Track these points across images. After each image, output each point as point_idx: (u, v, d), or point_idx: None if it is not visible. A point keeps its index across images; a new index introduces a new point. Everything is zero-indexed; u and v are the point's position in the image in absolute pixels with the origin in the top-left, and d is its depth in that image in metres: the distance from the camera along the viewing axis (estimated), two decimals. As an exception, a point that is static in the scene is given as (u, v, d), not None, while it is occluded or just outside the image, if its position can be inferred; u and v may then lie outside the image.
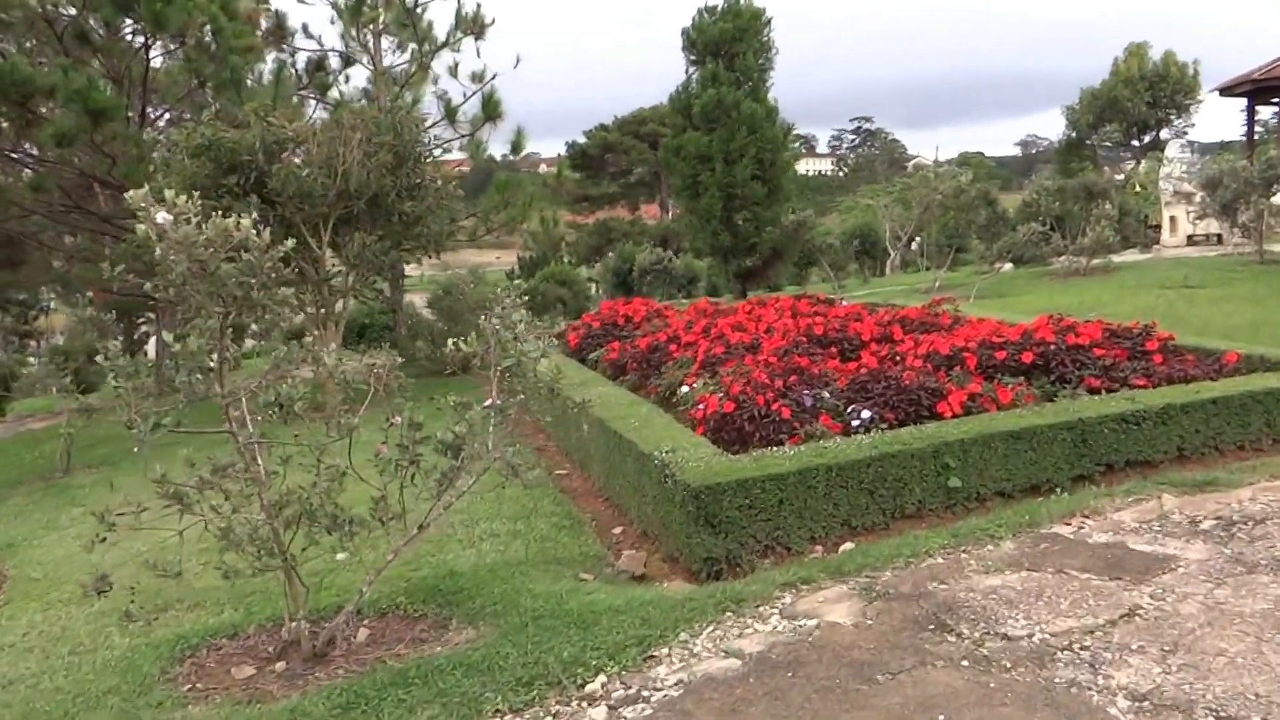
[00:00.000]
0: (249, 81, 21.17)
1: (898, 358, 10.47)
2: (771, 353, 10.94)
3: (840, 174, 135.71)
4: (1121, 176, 53.59)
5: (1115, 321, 11.47)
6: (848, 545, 7.44)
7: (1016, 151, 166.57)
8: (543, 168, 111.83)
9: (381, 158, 16.24)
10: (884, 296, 25.32)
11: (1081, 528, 6.77)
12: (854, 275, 37.61)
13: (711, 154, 29.88)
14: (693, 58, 31.79)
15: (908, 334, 12.15)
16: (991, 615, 5.39)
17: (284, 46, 23.51)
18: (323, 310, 16.93)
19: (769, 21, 31.88)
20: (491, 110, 21.01)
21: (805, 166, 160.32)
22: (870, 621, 5.52)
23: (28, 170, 23.67)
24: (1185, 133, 65.39)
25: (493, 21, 23.84)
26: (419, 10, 21.34)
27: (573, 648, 5.64)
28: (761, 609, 6.00)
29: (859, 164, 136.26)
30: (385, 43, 23.33)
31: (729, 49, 30.81)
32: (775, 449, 8.07)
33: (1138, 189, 37.90)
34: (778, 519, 7.39)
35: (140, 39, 20.93)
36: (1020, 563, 6.16)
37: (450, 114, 20.97)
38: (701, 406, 9.46)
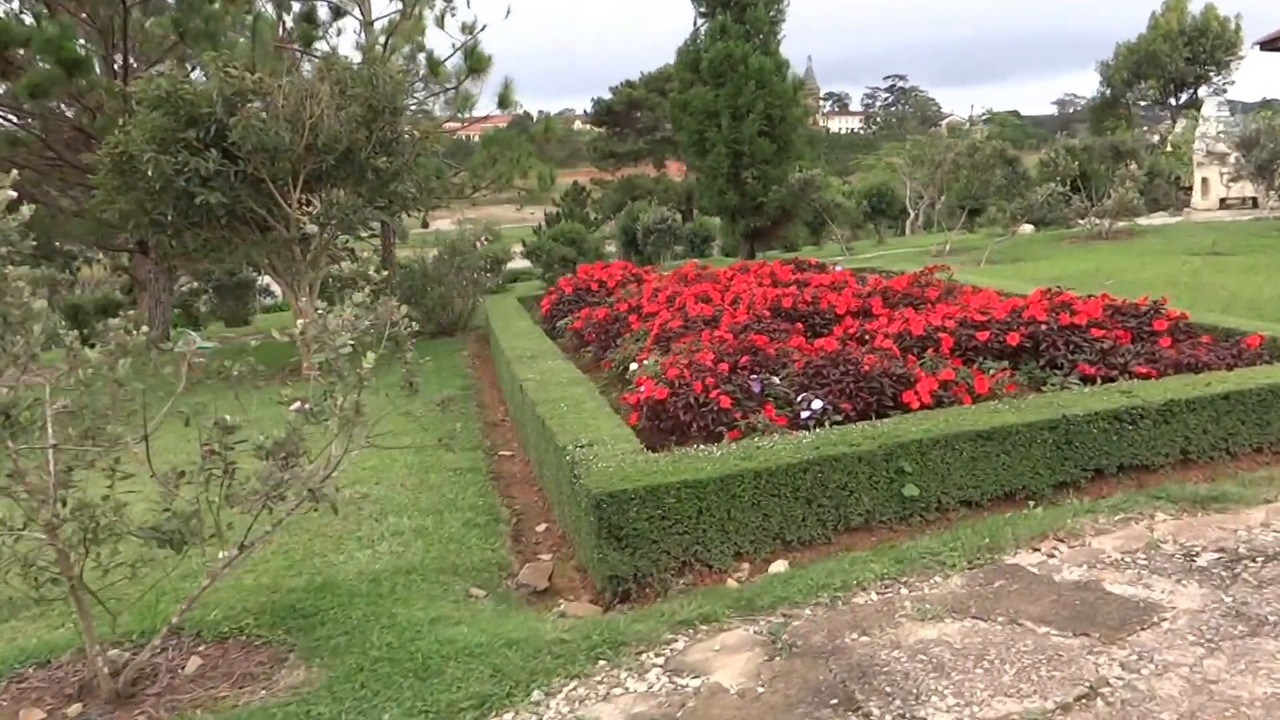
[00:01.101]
0: (233, 34, 20.12)
1: (867, 337, 9.24)
2: (729, 329, 9.73)
3: (869, 132, 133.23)
4: (1157, 137, 51.73)
5: (1122, 298, 10.17)
6: (779, 564, 6.29)
7: (1053, 110, 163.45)
8: (577, 124, 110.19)
9: (353, 110, 15.14)
10: (891, 260, 24.04)
11: (1052, 556, 5.57)
12: (869, 236, 36.25)
13: (718, 109, 28.59)
14: (702, 10, 30.40)
15: (889, 307, 10.92)
16: (913, 688, 4.21)
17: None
18: (294, 271, 15.90)
19: (781, -27, 30.44)
20: (476, 62, 19.72)
21: (838, 124, 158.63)
22: (762, 689, 4.36)
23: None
24: (1225, 90, 63.24)
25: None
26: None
27: (396, 709, 4.52)
28: (644, 657, 4.87)
29: (887, 122, 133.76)
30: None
31: (739, 1, 29.39)
32: (701, 447, 6.89)
33: (1170, 149, 36.21)
34: (696, 532, 6.24)
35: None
36: (966, 606, 4.97)
37: (434, 67, 19.69)
38: (640, 390, 8.29)
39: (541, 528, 8.07)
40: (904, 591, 5.26)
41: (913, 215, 39.08)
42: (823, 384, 7.96)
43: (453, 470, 9.42)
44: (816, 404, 7.64)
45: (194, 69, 20.18)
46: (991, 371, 8.40)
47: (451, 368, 15.08)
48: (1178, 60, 62.34)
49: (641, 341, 10.60)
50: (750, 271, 14.27)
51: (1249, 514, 5.98)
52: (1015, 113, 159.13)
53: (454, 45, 20.14)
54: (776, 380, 8.16)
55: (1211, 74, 63.94)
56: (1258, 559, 5.27)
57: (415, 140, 17.22)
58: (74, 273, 34.57)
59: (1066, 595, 4.98)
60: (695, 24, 30.47)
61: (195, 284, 34.44)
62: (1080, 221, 24.94)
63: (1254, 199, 28.24)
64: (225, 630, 5.97)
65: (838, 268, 16.53)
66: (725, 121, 28.52)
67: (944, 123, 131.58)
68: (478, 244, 43.16)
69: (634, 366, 10.00)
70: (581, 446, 7.07)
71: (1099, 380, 8.26)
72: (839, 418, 7.56)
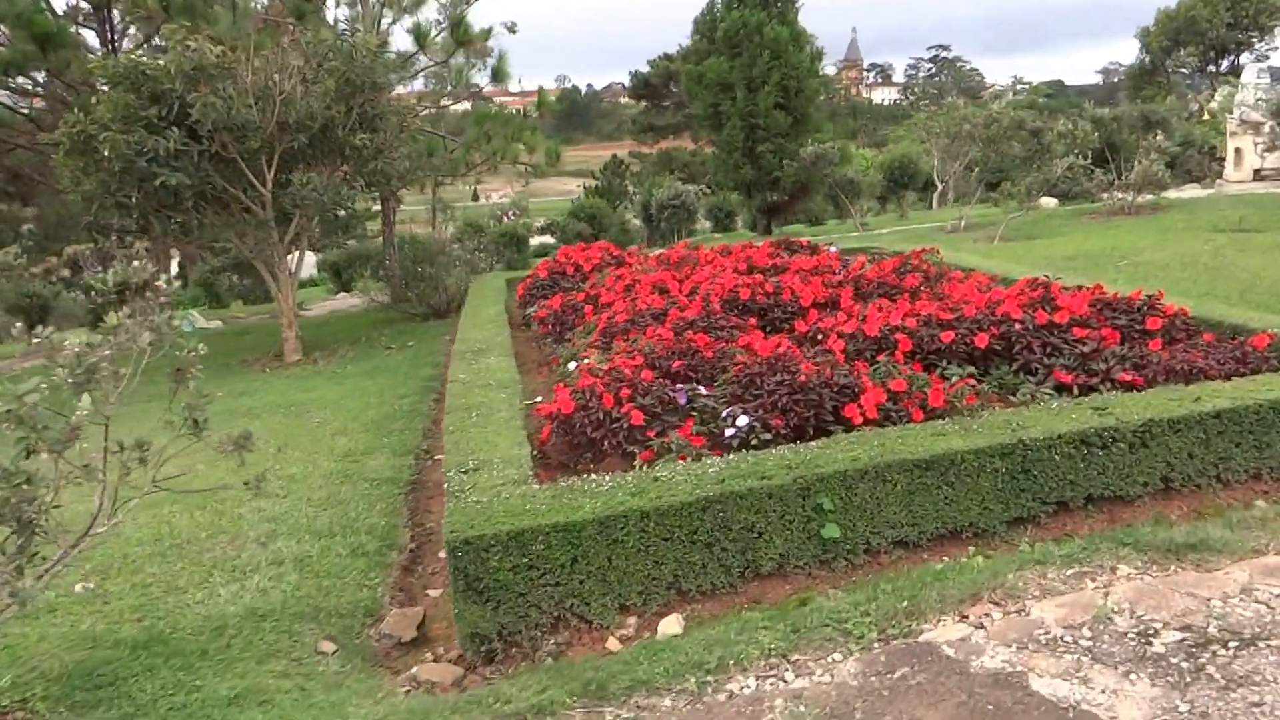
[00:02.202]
0: (221, 8, 19.23)
1: (820, 336, 8.21)
2: (673, 325, 8.73)
3: (906, 103, 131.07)
4: (1196, 105, 49.92)
5: (1114, 290, 9.06)
6: (672, 620, 5.35)
7: (1098, 80, 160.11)
8: (624, 99, 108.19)
9: (327, 86, 14.26)
10: (905, 237, 22.91)
11: (980, 627, 4.56)
12: (890, 210, 34.98)
13: (733, 81, 27.44)
14: (720, -22, 29.25)
15: (860, 299, 9.88)
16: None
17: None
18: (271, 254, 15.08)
19: (804, -62, 29.18)
20: (463, 34, 18.69)
21: (881, 96, 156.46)
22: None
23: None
24: (1267, 56, 60.97)
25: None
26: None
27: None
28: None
29: (924, 92, 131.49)
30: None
31: (755, -32, 28.21)
32: (594, 477, 5.91)
33: (1205, 117, 34.63)
34: (571, 583, 5.29)
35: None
36: (849, 711, 3.97)
37: (420, 38, 18.68)
38: (556, 399, 7.32)
39: (444, 554, 7.13)
40: (787, 678, 4.28)
41: (940, 188, 37.78)
42: (756, 395, 6.96)
43: (371, 481, 8.52)
44: (742, 420, 6.64)
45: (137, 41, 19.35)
46: (954, 379, 7.37)
47: (427, 355, 14.20)
48: (1218, 26, 60.18)
49: (590, 336, 9.63)
50: (732, 254, 13.26)
51: (1230, 573, 4.93)
52: (1060, 82, 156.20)
53: (440, 19, 19.02)
54: (704, 391, 7.16)
55: (1254, 39, 61.71)
56: (1229, 644, 4.22)
57: (399, 116, 16.33)
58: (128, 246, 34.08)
59: (979, 696, 3.96)
60: (712, -9, 29.39)
61: (216, 261, 33.72)
62: (1104, 196, 23.61)
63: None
64: (5, 704, 5.07)
65: (832, 248, 15.46)
66: (740, 94, 27.40)
67: (985, 92, 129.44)
68: (505, 218, 42.37)
69: (572, 366, 9.05)
70: (466, 471, 6.17)
71: (1075, 390, 7.22)
72: (768, 435, 6.57)
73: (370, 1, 19.43)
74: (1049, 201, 28.55)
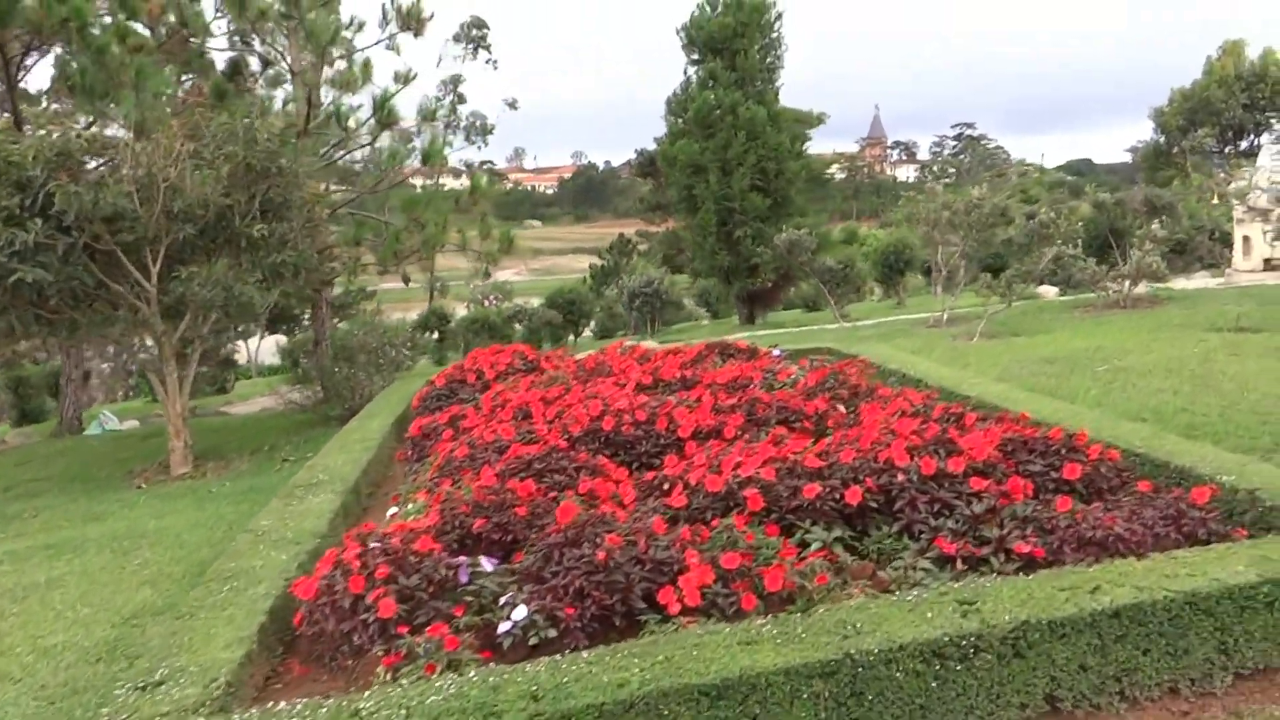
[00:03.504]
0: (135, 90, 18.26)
1: (667, 485, 6.80)
2: (504, 466, 7.35)
3: (924, 181, 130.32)
4: (1215, 186, 48.52)
5: (1032, 428, 7.60)
6: None
7: (1127, 158, 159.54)
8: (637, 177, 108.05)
9: (220, 171, 13.15)
10: (887, 330, 21.56)
11: None
12: (886, 296, 33.62)
13: (705, 163, 26.29)
14: (694, 56, 28.19)
15: (754, 424, 8.46)
16: None
17: (193, 44, 20.30)
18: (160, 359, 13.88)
19: (778, 15, 28.18)
20: (387, 116, 17.58)
21: (905, 173, 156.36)
22: None
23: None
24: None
25: (431, 16, 20.53)
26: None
27: None
28: None
29: (942, 171, 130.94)
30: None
31: (730, 46, 27.14)
32: (279, 708, 4.52)
33: (1217, 201, 33.20)
34: None
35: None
36: None
37: (339, 118, 17.56)
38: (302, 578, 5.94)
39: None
40: None
41: (942, 273, 36.50)
42: (555, 574, 5.56)
43: (131, 660, 7.05)
44: (520, 612, 5.24)
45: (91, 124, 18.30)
46: (815, 546, 5.96)
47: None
48: (1235, 107, 58.95)
49: (441, 470, 8.26)
50: (650, 362, 11.91)
51: None
52: (1088, 160, 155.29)
53: (374, 98, 17.92)
54: (487, 567, 5.76)
55: (1273, 120, 60.35)
56: None
57: (308, 204, 15.21)
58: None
59: None
60: (685, 72, 28.31)
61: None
62: (1111, 286, 22.07)
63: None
64: None
65: (775, 351, 14.11)
66: (714, 176, 26.25)
67: (1011, 171, 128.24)
68: (486, 302, 41.25)
69: (392, 510, 7.69)
70: (143, 687, 4.80)
71: (957, 562, 5.78)
72: (555, 632, 5.17)
73: (307, 82, 18.36)
74: (1048, 290, 27.14)
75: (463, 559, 5.76)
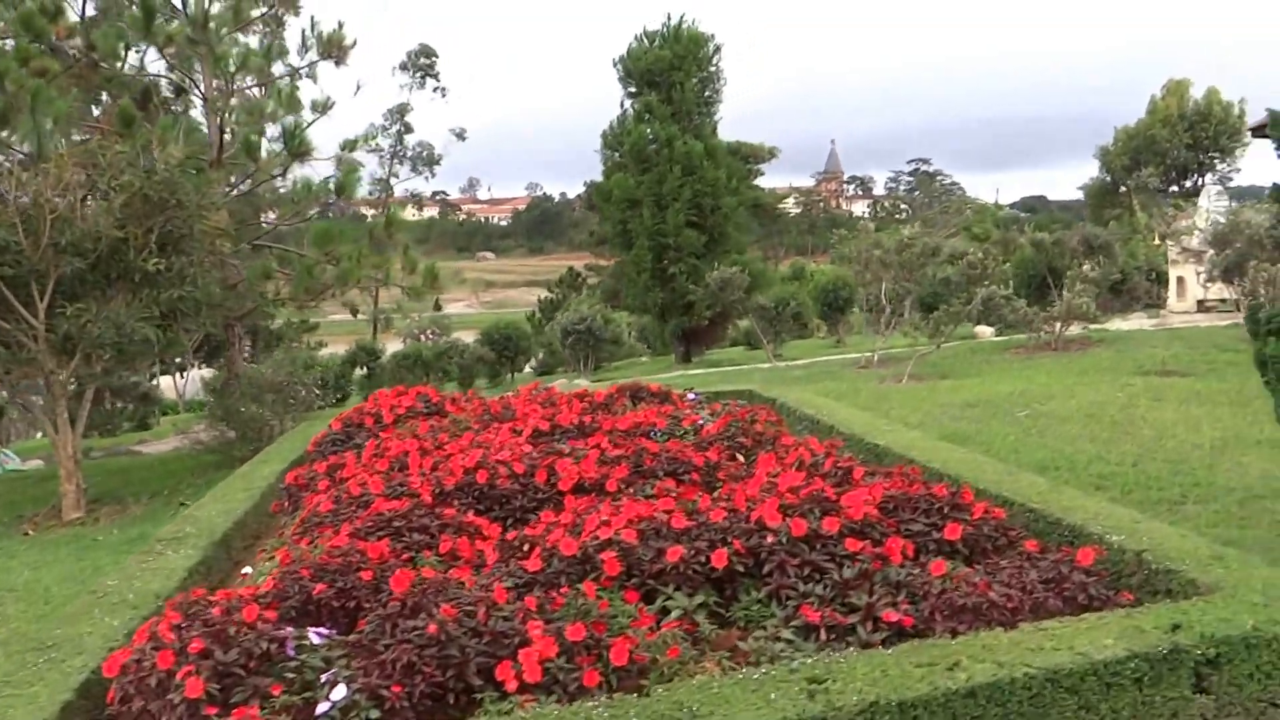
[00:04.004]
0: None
1: (527, 546, 6.42)
2: (361, 524, 6.94)
3: (876, 218, 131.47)
4: (1157, 226, 48.97)
5: (920, 483, 7.28)
6: None
7: (1080, 195, 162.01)
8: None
9: (115, 202, 12.72)
10: (819, 369, 21.32)
11: None
12: (820, 335, 33.48)
13: (640, 198, 26.02)
14: (630, 89, 27.98)
15: (640, 476, 8.10)
16: None
17: (104, 69, 19.77)
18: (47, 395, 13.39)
19: (717, 49, 28.03)
20: (299, 146, 17.14)
21: (861, 209, 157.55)
22: None
23: None
24: (1230, 178, 60.41)
25: (354, 43, 20.18)
26: (220, 27, 17.52)
27: None
28: None
29: (894, 207, 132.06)
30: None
31: (666, 79, 26.95)
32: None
33: (1156, 241, 33.39)
34: None
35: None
36: None
37: (248, 149, 17.11)
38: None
39: None
40: None
41: (885, 311, 36.49)
42: (387, 647, 5.16)
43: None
44: (339, 691, 4.83)
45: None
46: (675, 614, 5.60)
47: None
48: (1178, 146, 59.65)
49: (307, 525, 7.82)
50: (555, 406, 11.54)
51: None
52: (1042, 197, 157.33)
53: (286, 127, 17.47)
54: (315, 639, 5.35)
55: (1216, 160, 61.18)
56: None
57: (209, 238, 14.77)
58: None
59: None
60: (622, 104, 28.09)
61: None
62: (1043, 328, 21.95)
63: (1236, 301, 25.31)
64: None
65: (690, 395, 13.76)
66: (648, 211, 25.97)
67: (967, 208, 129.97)
68: (422, 338, 40.69)
69: (246, 570, 7.26)
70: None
71: (820, 632, 5.43)
72: (377, 714, 4.76)
73: (218, 109, 17.90)
74: (984, 331, 27.06)
75: (289, 630, 5.35)
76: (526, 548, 6.35)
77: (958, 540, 6.30)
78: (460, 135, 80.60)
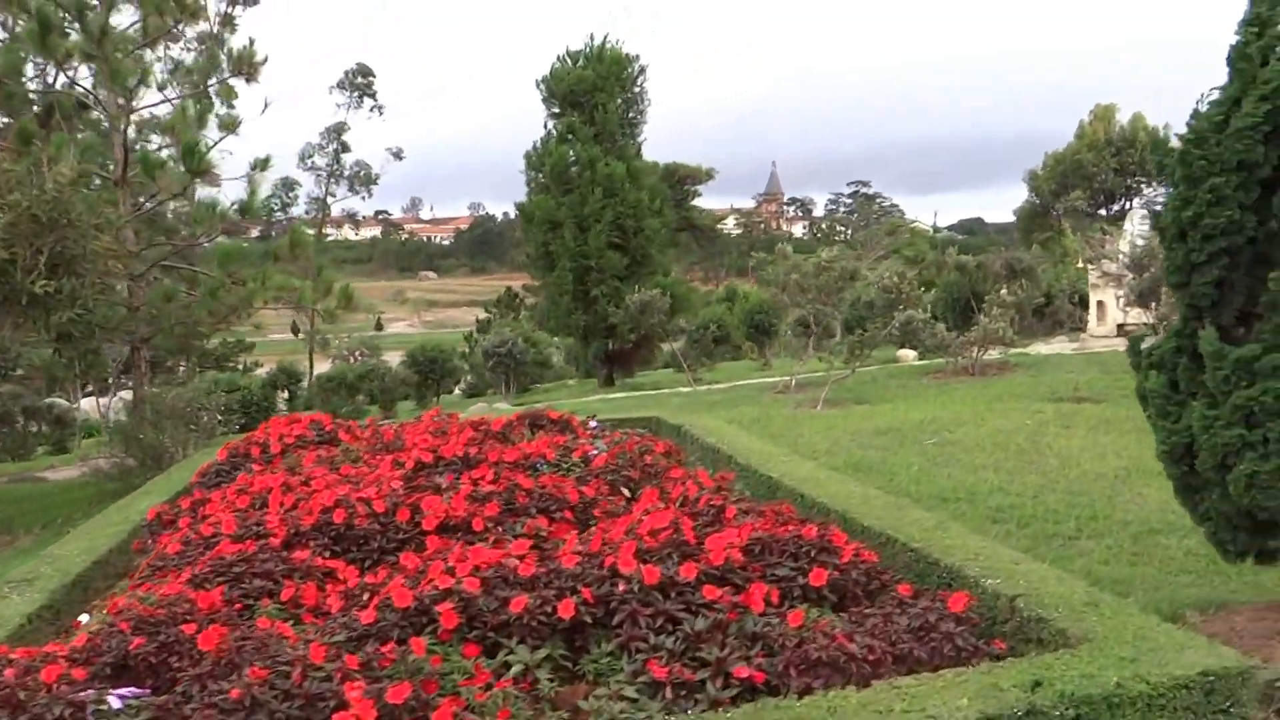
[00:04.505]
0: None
1: (368, 595, 6.03)
2: (202, 568, 6.52)
3: (813, 239, 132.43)
4: (1081, 251, 49.46)
5: (791, 524, 6.99)
6: None
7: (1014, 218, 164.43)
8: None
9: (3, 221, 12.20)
10: (736, 395, 21.08)
11: None
12: (751, 358, 33.29)
13: (562, 219, 25.72)
14: (554, 110, 27.69)
15: (512, 515, 7.74)
16: None
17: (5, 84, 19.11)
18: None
19: (641, 70, 27.84)
20: (196, 164, 16.63)
21: (801, 230, 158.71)
22: None
23: None
24: (1157, 202, 61.12)
25: (265, 59, 19.71)
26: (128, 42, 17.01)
27: None
28: None
29: (830, 229, 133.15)
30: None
31: (589, 100, 26.69)
32: None
33: (1080, 265, 33.62)
34: None
35: None
36: None
37: (148, 168, 16.58)
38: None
39: None
40: None
41: (813, 334, 36.43)
42: (194, 711, 4.77)
43: None
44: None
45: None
46: (516, 670, 5.25)
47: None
48: (1105, 170, 60.43)
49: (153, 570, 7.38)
50: (446, 435, 11.14)
51: None
52: (979, 220, 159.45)
53: (185, 145, 16.95)
54: (117, 705, 4.93)
55: (1142, 185, 62.04)
56: None
57: (102, 259, 14.24)
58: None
59: None
60: (546, 125, 27.79)
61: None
62: (961, 353, 21.89)
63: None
64: None
65: (592, 423, 13.42)
66: (569, 233, 25.66)
67: (907, 230, 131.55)
68: (352, 359, 40.03)
69: (84, 619, 6.81)
70: None
71: (667, 690, 5.10)
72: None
73: (121, 125, 17.37)
74: (907, 354, 27.00)
75: (90, 693, 4.93)
76: (367, 596, 5.96)
77: (824, 586, 6.00)
78: (397, 155, 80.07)
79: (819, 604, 5.98)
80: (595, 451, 10.56)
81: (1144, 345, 6.66)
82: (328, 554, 7.10)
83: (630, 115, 27.51)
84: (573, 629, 5.67)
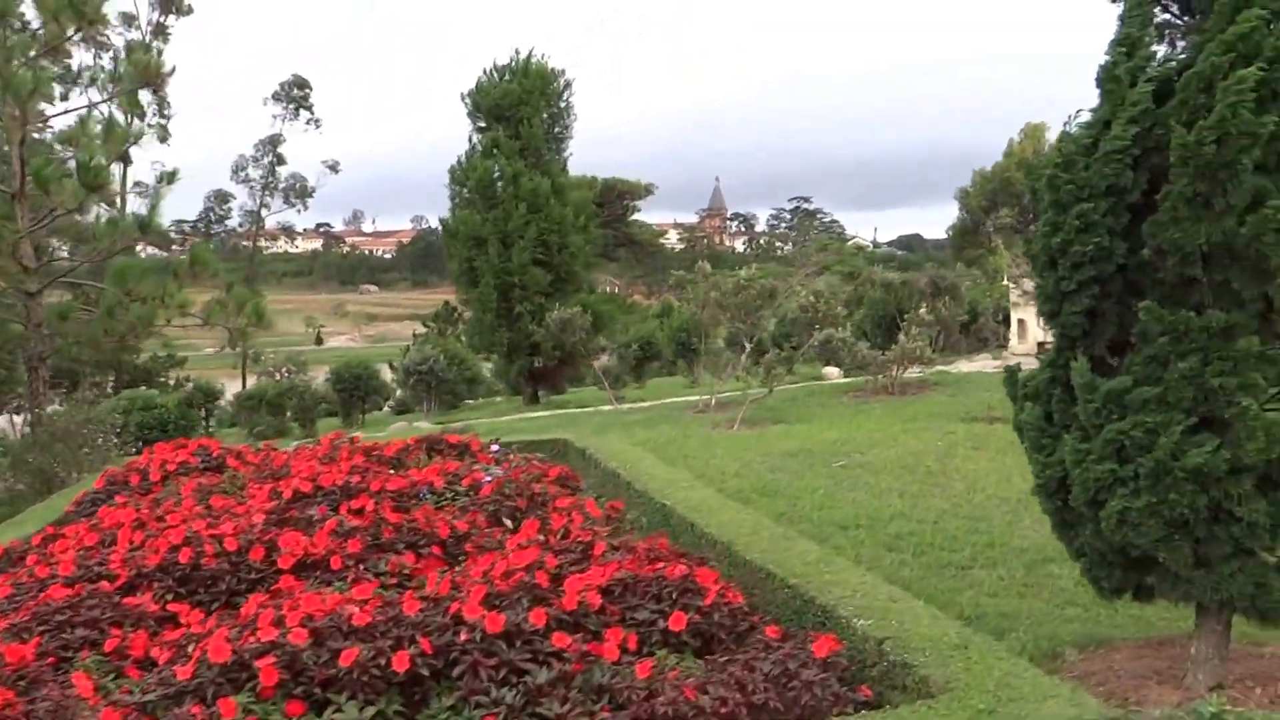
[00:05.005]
0: None
1: (192, 645, 5.63)
2: (31, 611, 6.09)
3: (752, 255, 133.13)
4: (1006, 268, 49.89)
5: (651, 563, 6.68)
6: None
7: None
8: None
9: None
10: (657, 413, 20.81)
11: None
12: (684, 375, 33.12)
13: (485, 235, 25.35)
14: (480, 124, 27.33)
15: (380, 550, 7.36)
16: None
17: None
18: None
19: (568, 84, 27.58)
20: (90, 179, 16.07)
21: (742, 245, 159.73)
22: None
23: None
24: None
25: (172, 70, 19.17)
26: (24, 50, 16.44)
27: None
28: None
29: (768, 245, 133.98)
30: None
31: (514, 114, 26.36)
32: None
33: (1007, 283, 33.77)
34: None
35: None
36: None
37: (40, 182, 15.98)
38: None
39: None
40: None
41: (746, 350, 36.22)
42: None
43: None
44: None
45: None
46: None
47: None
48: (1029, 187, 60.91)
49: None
50: (335, 462, 10.71)
51: None
52: (918, 236, 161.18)
53: (79, 160, 16.40)
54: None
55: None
56: None
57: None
58: None
59: None
60: (471, 139, 27.40)
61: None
62: (879, 372, 21.70)
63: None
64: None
65: (494, 446, 13.05)
66: (494, 249, 25.28)
67: (848, 244, 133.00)
68: (279, 375, 39.27)
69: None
70: None
71: (501, 754, 4.77)
72: None
73: (17, 138, 16.77)
74: (832, 371, 26.90)
75: None
76: (192, 648, 5.56)
77: (683, 630, 5.69)
78: (333, 167, 79.35)
79: (680, 649, 5.68)
80: (487, 479, 10.21)
81: (1020, 375, 6.45)
82: (172, 596, 6.68)
83: (556, 130, 27.21)
84: (412, 682, 5.31)
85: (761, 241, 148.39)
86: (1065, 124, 5.73)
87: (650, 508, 10.01)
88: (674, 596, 5.97)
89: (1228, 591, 5.53)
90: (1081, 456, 5.71)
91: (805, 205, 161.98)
